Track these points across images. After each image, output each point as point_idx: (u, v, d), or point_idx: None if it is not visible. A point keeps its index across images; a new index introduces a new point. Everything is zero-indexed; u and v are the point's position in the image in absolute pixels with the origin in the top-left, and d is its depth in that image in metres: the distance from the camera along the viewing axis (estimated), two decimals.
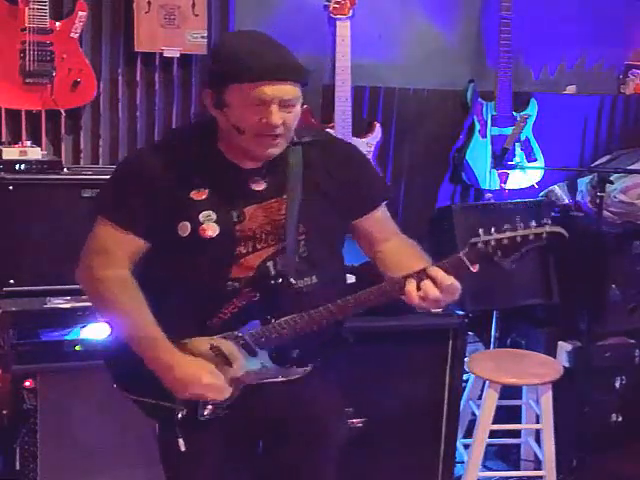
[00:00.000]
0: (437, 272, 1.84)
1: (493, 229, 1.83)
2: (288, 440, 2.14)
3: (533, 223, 1.83)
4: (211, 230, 1.90)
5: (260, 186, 1.96)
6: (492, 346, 3.65)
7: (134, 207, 1.92)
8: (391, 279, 1.92)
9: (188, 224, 1.90)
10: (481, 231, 1.83)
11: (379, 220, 2.12)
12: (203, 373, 1.89)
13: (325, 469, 2.23)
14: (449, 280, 1.83)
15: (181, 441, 1.96)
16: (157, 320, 1.90)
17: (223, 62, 1.86)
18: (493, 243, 1.81)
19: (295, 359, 2.00)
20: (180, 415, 1.97)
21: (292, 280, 1.93)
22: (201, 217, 1.90)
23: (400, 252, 2.05)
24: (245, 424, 2.07)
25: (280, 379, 2.01)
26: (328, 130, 3.39)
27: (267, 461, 2.21)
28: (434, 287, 1.83)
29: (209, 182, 1.92)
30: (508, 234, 1.81)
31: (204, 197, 1.91)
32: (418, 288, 1.84)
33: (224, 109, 1.87)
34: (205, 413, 1.98)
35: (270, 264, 1.94)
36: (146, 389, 1.99)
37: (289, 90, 1.84)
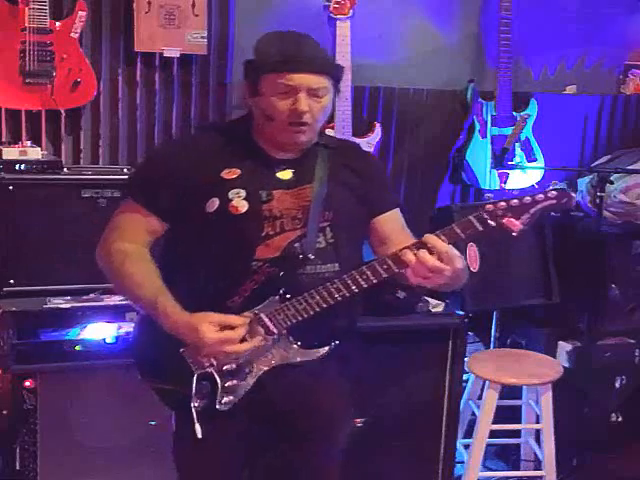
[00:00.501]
0: (432, 239, 1.88)
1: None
2: (295, 435, 2.16)
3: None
4: (240, 207, 1.97)
5: (286, 175, 2.05)
6: (492, 346, 3.65)
7: (159, 190, 2.00)
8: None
9: (217, 200, 1.97)
10: (489, 196, 1.90)
11: (396, 223, 2.18)
12: (203, 324, 1.89)
13: (329, 466, 2.25)
14: (445, 247, 1.86)
15: (198, 427, 1.97)
16: (179, 300, 1.93)
17: (258, 55, 2.00)
18: (503, 204, 1.88)
19: (313, 339, 2.03)
20: (199, 402, 1.98)
21: (310, 256, 1.99)
22: (230, 194, 1.98)
23: None
24: (256, 419, 2.09)
25: (298, 360, 2.02)
26: (329, 130, 3.40)
27: (274, 455, 2.22)
28: (431, 255, 1.86)
29: (241, 163, 2.01)
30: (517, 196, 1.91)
31: (235, 176, 2.00)
32: (416, 257, 1.88)
33: (257, 98, 1.99)
34: (224, 401, 1.99)
35: (297, 245, 2.00)
36: (166, 376, 2.04)
37: (316, 79, 1.95)
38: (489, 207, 1.89)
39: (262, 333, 1.97)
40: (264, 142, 2.05)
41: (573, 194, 1.90)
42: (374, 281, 1.93)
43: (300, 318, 1.96)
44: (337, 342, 2.05)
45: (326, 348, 2.04)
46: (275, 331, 1.97)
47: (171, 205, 2.01)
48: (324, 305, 1.95)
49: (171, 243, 2.06)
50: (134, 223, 2.04)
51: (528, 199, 1.88)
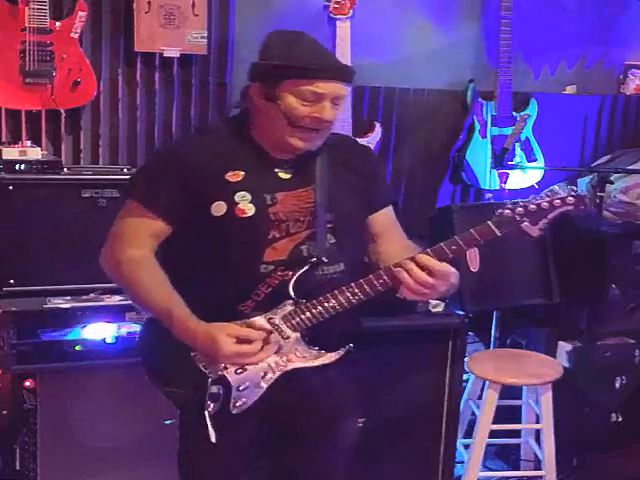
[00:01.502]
0: (423, 257, 1.91)
1: (520, 200, 1.93)
2: (301, 436, 2.17)
3: (560, 191, 1.94)
4: (247, 210, 1.96)
5: (286, 175, 2.04)
6: (492, 346, 3.64)
7: (163, 192, 1.99)
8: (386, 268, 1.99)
9: (223, 204, 1.96)
10: (508, 201, 1.94)
11: (388, 220, 2.20)
12: (220, 336, 1.88)
13: (334, 467, 2.26)
14: (434, 263, 1.90)
15: (212, 431, 1.96)
16: (190, 307, 1.92)
17: (278, 59, 1.96)
18: (520, 210, 1.91)
19: (326, 342, 2.02)
20: (212, 407, 1.97)
21: (324, 259, 1.99)
22: (237, 197, 1.97)
23: (399, 255, 2.06)
24: (265, 421, 2.09)
25: (314, 364, 2.02)
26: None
27: (278, 456, 2.23)
28: (422, 272, 1.90)
29: (244, 165, 2.00)
30: (535, 201, 1.93)
31: (240, 179, 1.99)
32: (409, 274, 1.91)
33: (277, 102, 1.96)
34: (238, 404, 1.98)
35: (304, 247, 2.00)
36: (178, 380, 2.02)
37: (342, 89, 1.97)
38: (507, 212, 1.91)
39: (277, 338, 1.96)
40: (263, 142, 2.04)
41: (587, 197, 1.92)
42: (391, 285, 1.94)
43: (315, 322, 1.96)
44: (351, 345, 2.06)
45: (341, 351, 2.04)
46: (289, 335, 1.97)
47: (177, 208, 1.99)
48: (340, 309, 1.95)
49: (175, 247, 2.04)
50: (140, 227, 2.01)
51: (546, 205, 1.91)
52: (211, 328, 1.89)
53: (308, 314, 1.96)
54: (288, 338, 1.98)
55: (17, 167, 2.90)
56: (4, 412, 2.70)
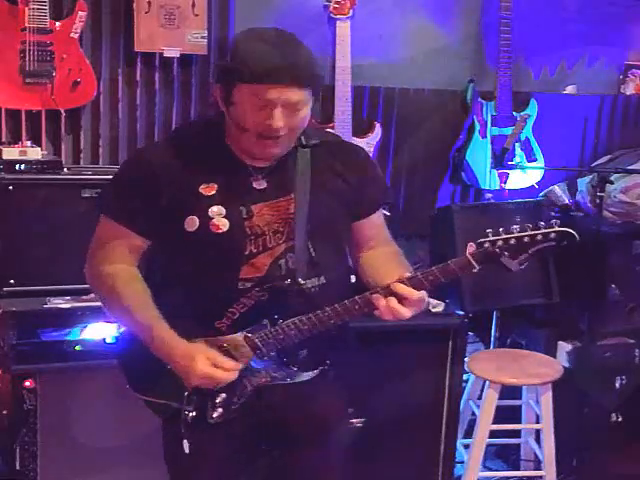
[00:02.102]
0: (400, 288, 1.85)
1: (501, 229, 1.82)
2: (291, 441, 2.14)
3: (542, 224, 1.81)
4: (222, 225, 1.90)
5: (261, 185, 1.95)
6: (492, 346, 3.65)
7: (134, 205, 1.92)
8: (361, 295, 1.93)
9: (197, 219, 1.90)
10: (489, 231, 1.82)
11: (375, 226, 2.13)
12: (200, 355, 1.87)
13: (327, 470, 2.23)
14: (410, 294, 1.85)
15: (186, 443, 1.96)
16: (168, 320, 1.90)
17: (234, 60, 1.85)
18: (500, 243, 1.81)
19: (303, 362, 2.00)
20: (190, 416, 1.96)
21: (300, 280, 1.93)
22: (210, 212, 1.90)
23: (381, 264, 2.04)
24: (251, 426, 2.06)
25: (288, 381, 2.01)
26: (330, 130, 3.39)
27: (270, 463, 2.20)
28: (398, 303, 1.85)
29: (217, 177, 1.92)
30: (516, 234, 1.80)
31: (213, 192, 1.91)
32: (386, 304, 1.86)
33: (231, 106, 1.87)
34: (214, 415, 1.97)
35: (282, 262, 1.94)
36: (156, 390, 2.01)
37: (294, 94, 1.83)
38: (487, 246, 1.81)
39: (252, 355, 1.94)
40: (238, 149, 1.94)
41: (575, 234, 1.80)
42: (366, 310, 1.90)
43: (291, 342, 1.93)
44: (328, 362, 2.04)
45: (317, 370, 2.03)
46: (265, 353, 1.94)
47: (149, 222, 1.93)
48: (315, 332, 1.91)
49: (154, 260, 2.00)
50: (116, 242, 1.96)
51: (527, 239, 1.80)
52: (191, 346, 1.89)
53: (284, 335, 1.91)
54: (264, 356, 1.95)
55: (17, 167, 2.90)
56: (4, 412, 2.70)
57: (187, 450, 1.96)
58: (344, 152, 2.08)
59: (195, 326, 1.92)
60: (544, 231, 1.80)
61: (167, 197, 1.90)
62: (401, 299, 1.85)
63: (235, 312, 1.94)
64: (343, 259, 2.11)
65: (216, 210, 1.90)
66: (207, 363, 1.87)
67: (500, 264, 1.82)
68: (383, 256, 2.06)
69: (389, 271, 1.95)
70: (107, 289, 1.97)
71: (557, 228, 1.80)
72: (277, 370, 1.99)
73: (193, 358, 1.86)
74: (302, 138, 1.98)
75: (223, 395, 1.97)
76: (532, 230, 1.80)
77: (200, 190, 1.91)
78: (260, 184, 1.95)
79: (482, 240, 1.82)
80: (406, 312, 1.87)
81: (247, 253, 1.92)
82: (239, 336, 1.93)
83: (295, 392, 2.03)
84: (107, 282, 1.96)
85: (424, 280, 1.86)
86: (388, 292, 1.86)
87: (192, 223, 1.90)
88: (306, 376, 2.03)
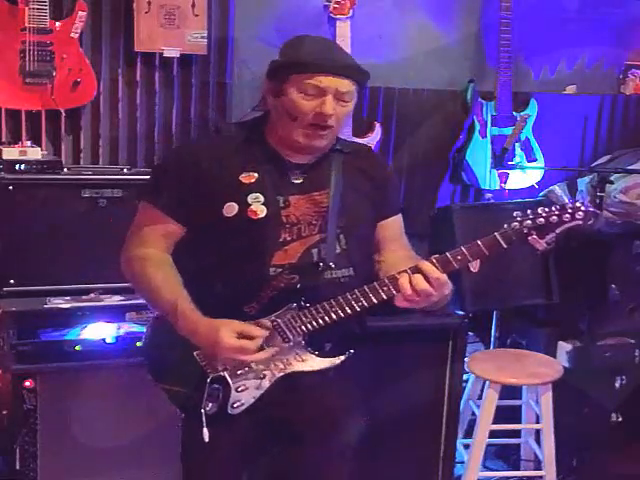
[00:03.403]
0: (427, 266, 1.91)
1: (529, 211, 1.91)
2: (301, 439, 2.17)
3: (569, 204, 1.91)
4: (259, 211, 1.97)
5: (298, 179, 2.05)
6: (492, 346, 3.64)
7: (173, 192, 2.01)
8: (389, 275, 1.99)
9: (235, 205, 1.98)
10: (517, 213, 1.91)
11: (395, 229, 2.20)
12: (224, 327, 1.90)
13: (335, 468, 2.26)
14: (436, 273, 1.90)
15: (205, 431, 1.97)
16: (197, 305, 1.94)
17: (288, 56, 2.00)
18: (528, 223, 1.89)
19: (329, 347, 2.04)
20: (210, 405, 1.98)
21: (332, 265, 2.00)
22: (249, 199, 1.98)
23: (399, 264, 2.06)
24: (261, 422, 2.09)
25: (310, 368, 2.03)
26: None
27: (281, 459, 2.23)
28: (424, 280, 1.90)
29: (258, 168, 2.02)
30: (544, 214, 1.90)
31: (253, 180, 2.00)
32: (410, 283, 1.91)
33: (282, 97, 1.98)
34: (235, 405, 1.99)
35: (314, 251, 2.02)
36: (178, 378, 2.04)
37: (344, 85, 1.96)
38: (515, 225, 1.89)
39: (279, 340, 1.97)
40: (279, 145, 2.05)
41: (599, 211, 1.91)
42: (394, 292, 1.94)
43: (317, 326, 1.96)
44: (352, 351, 2.06)
45: (342, 357, 2.05)
46: (292, 338, 1.98)
47: (189, 209, 2.01)
48: (342, 315, 1.95)
49: (187, 246, 2.05)
50: (153, 228, 2.03)
51: (555, 218, 1.89)
52: (215, 321, 1.92)
53: (311, 319, 1.96)
54: (290, 341, 1.98)
55: (17, 167, 2.90)
56: (4, 412, 2.70)
57: (206, 439, 1.97)
58: (371, 158, 2.25)
59: (224, 310, 1.95)
60: (571, 211, 1.90)
61: (208, 184, 1.99)
62: (428, 278, 1.90)
63: (265, 297, 1.98)
64: (369, 254, 2.17)
65: (254, 197, 1.98)
66: (231, 335, 1.90)
67: (527, 243, 1.90)
68: (406, 259, 2.10)
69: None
70: (138, 270, 2.02)
71: (584, 208, 1.90)
72: (302, 356, 2.01)
73: (218, 329, 1.89)
74: (337, 145, 2.11)
75: (247, 385, 1.99)
76: (559, 211, 1.90)
77: (240, 178, 2.00)
78: (297, 178, 2.05)
79: (510, 220, 1.91)
80: (431, 292, 1.90)
81: (281, 240, 1.99)
82: (266, 320, 1.96)
83: (308, 386, 2.05)
84: (139, 264, 2.02)
85: (452, 259, 1.92)
86: (415, 270, 1.91)
87: (231, 209, 1.97)
88: (330, 362, 2.04)
